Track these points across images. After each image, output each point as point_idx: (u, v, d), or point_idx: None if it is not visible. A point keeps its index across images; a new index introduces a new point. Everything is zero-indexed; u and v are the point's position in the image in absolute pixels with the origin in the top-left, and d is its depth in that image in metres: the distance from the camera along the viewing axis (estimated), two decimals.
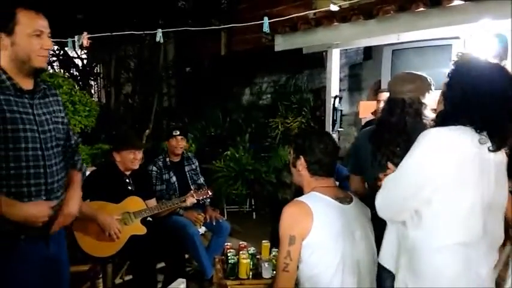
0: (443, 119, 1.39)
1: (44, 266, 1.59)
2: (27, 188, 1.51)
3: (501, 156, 1.37)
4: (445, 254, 1.32)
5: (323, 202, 1.64)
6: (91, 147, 4.62)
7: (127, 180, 2.95)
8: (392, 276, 1.51)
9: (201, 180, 3.64)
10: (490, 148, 1.31)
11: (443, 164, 1.29)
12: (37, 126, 1.55)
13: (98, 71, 7.08)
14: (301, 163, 1.71)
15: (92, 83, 7.26)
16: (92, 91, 7.16)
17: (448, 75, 1.43)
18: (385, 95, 3.34)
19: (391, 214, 1.45)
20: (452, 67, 1.44)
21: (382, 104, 3.31)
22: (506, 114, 1.33)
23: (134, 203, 2.86)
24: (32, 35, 1.50)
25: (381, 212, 1.45)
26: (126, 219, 2.78)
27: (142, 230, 2.81)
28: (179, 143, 3.48)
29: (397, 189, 1.39)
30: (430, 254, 1.34)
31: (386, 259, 1.56)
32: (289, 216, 1.60)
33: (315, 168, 1.69)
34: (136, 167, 2.94)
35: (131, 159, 2.89)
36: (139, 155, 2.94)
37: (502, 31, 3.23)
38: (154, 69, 6.65)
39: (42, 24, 1.54)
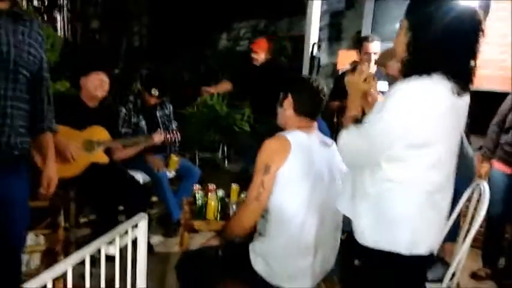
0: (411, 68, 1.24)
1: None
2: None
3: (467, 98, 1.29)
4: (410, 203, 1.26)
5: (303, 139, 1.64)
6: (53, 83, 4.34)
7: (91, 113, 2.80)
8: None
9: (173, 126, 3.47)
10: (459, 93, 1.22)
11: (416, 121, 1.19)
12: None
13: (63, 2, 6.54)
14: (289, 100, 1.72)
15: (58, 17, 6.74)
16: (58, 27, 6.66)
17: (410, 17, 1.27)
18: (371, 46, 3.15)
19: (351, 160, 1.37)
20: (415, 7, 1.28)
21: (373, 55, 3.14)
22: (471, 57, 1.25)
23: (98, 132, 2.75)
24: None
25: (342, 155, 1.39)
26: (88, 145, 2.68)
27: (104, 159, 2.73)
28: (155, 100, 3.28)
29: (364, 142, 1.28)
30: (395, 203, 1.27)
31: (344, 206, 1.46)
32: (268, 147, 1.61)
33: (301, 108, 1.70)
34: (100, 94, 2.79)
35: (97, 85, 2.74)
36: (106, 83, 2.78)
37: None
38: (124, 4, 6.21)
39: None
